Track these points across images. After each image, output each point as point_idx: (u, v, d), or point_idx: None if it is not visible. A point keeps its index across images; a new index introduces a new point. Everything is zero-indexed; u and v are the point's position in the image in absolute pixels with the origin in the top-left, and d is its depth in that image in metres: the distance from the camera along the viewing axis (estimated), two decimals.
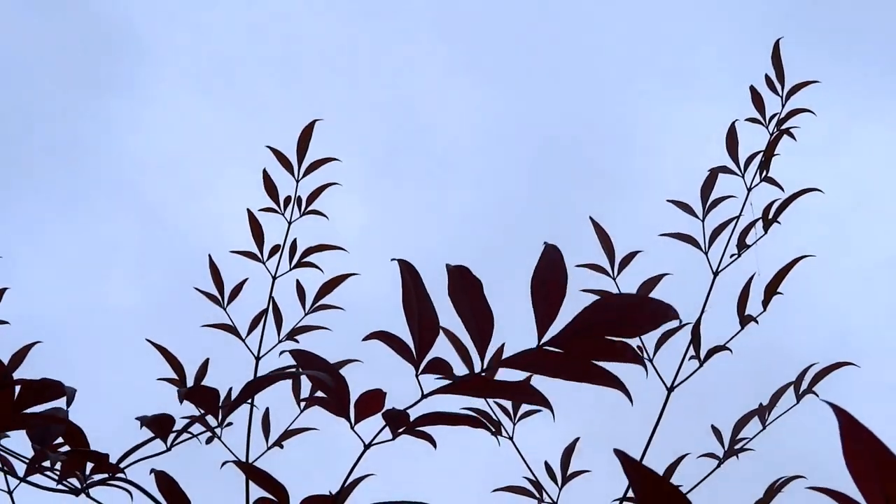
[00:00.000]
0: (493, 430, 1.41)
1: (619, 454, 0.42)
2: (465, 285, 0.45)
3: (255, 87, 3.35)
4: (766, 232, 1.36)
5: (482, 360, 0.51)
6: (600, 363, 0.46)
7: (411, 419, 0.69)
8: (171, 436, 0.68)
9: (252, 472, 0.77)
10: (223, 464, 1.01)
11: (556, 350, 0.45)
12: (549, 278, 0.42)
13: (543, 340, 0.46)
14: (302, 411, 1.33)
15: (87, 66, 3.27)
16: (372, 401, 0.70)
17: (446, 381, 0.55)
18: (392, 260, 0.47)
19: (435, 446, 1.11)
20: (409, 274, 0.47)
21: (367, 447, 0.73)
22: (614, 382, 0.49)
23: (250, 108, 3.27)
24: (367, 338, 0.60)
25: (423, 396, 0.58)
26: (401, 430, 0.72)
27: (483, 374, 0.54)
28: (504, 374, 0.65)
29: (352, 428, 0.71)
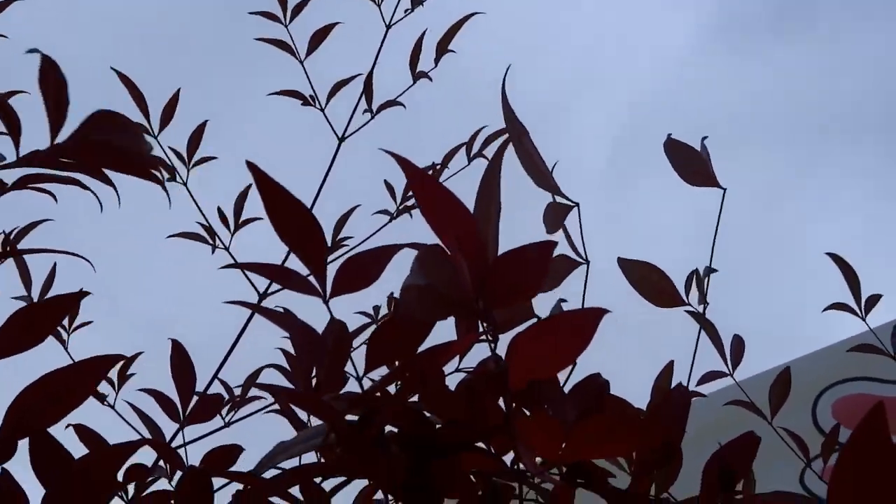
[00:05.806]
0: (168, 176, 1.40)
1: (250, 165, 0.42)
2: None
3: None
4: None
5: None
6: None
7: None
8: None
9: None
10: None
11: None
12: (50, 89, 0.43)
13: (57, 142, 0.47)
14: None
15: None
16: None
17: None
18: None
19: (56, 200, 1.10)
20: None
21: None
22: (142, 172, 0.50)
23: None
24: None
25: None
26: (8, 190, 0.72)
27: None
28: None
29: None
